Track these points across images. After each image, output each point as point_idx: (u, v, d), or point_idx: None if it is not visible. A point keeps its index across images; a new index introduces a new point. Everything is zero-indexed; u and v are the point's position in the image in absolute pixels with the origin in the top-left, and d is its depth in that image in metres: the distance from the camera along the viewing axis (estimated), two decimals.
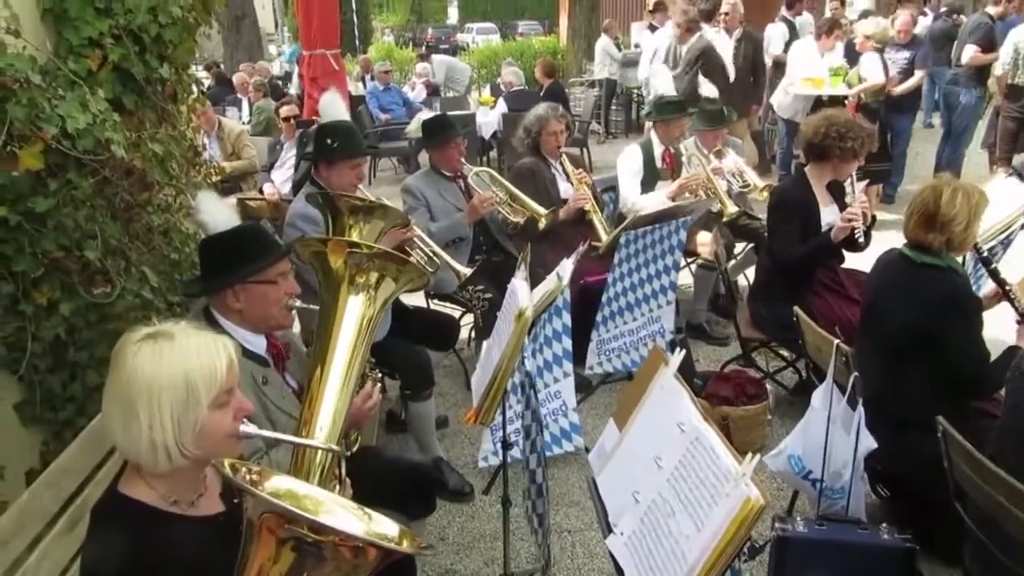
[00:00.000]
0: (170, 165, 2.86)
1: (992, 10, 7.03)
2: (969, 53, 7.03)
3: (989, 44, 7.02)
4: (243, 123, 7.25)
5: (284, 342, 2.31)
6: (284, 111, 6.47)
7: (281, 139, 6.55)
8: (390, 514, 2.16)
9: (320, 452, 1.72)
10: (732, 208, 4.36)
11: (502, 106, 9.20)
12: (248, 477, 1.19)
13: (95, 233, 2.34)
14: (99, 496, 1.54)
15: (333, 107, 3.60)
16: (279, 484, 1.22)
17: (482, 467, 3.36)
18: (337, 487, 1.74)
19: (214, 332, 1.79)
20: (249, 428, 1.46)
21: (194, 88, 3.33)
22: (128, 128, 2.58)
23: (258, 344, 2.19)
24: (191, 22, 3.00)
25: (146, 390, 1.37)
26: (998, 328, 2.88)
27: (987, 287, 2.98)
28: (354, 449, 2.40)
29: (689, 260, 4.89)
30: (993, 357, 2.61)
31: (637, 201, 4.44)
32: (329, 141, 3.25)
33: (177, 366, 1.39)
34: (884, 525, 2.44)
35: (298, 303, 2.23)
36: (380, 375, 2.55)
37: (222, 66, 12.52)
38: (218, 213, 2.22)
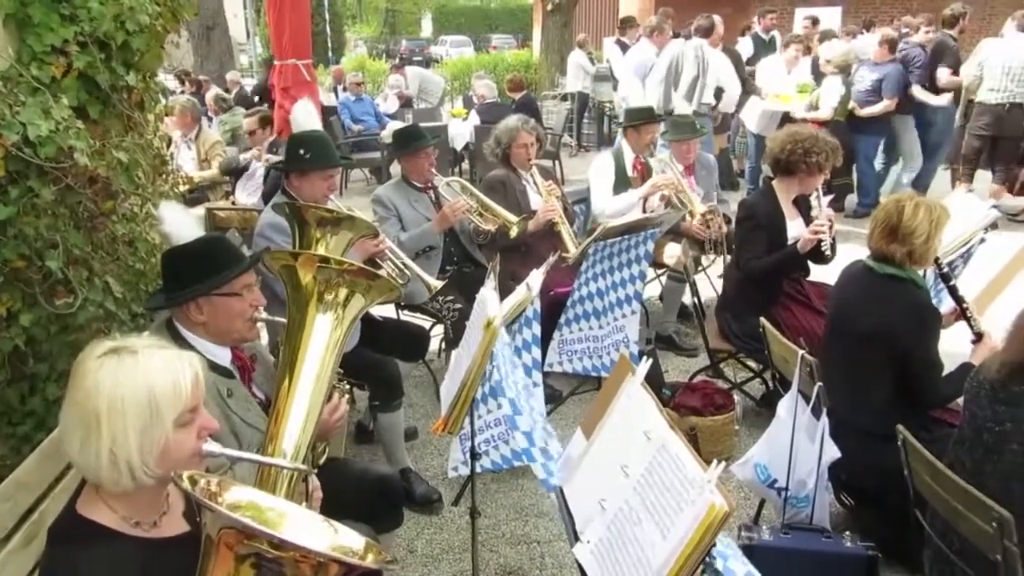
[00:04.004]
0: (136, 174, 2.82)
1: (954, 32, 7.22)
2: (944, 77, 7.16)
3: (957, 65, 7.19)
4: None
5: (250, 353, 2.29)
6: (249, 123, 6.42)
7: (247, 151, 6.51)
8: (357, 526, 2.16)
9: (287, 469, 1.69)
10: (701, 208, 4.42)
11: (474, 118, 9.23)
12: (208, 490, 1.16)
13: (57, 242, 2.29)
14: (57, 513, 1.49)
15: (306, 117, 3.59)
16: (240, 496, 1.19)
17: (452, 477, 3.34)
18: (304, 502, 1.71)
19: (178, 346, 1.78)
20: (213, 447, 1.43)
21: (161, 97, 3.29)
22: (93, 136, 2.54)
23: (222, 356, 2.16)
24: (159, 30, 2.97)
25: (107, 407, 1.33)
26: (953, 343, 2.96)
27: (946, 304, 3.05)
28: (321, 461, 2.39)
29: (659, 272, 4.94)
30: (948, 371, 2.68)
31: (607, 207, 4.48)
32: (302, 151, 3.23)
33: (141, 383, 1.35)
34: (848, 533, 2.48)
35: (264, 315, 2.21)
36: (348, 386, 2.53)
37: (192, 74, 12.39)
38: (182, 224, 2.20)
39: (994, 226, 3.66)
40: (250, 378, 2.25)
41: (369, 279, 1.81)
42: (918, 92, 7.04)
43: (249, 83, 13.04)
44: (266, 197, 5.82)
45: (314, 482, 1.75)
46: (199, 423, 1.43)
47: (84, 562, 1.34)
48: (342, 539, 1.23)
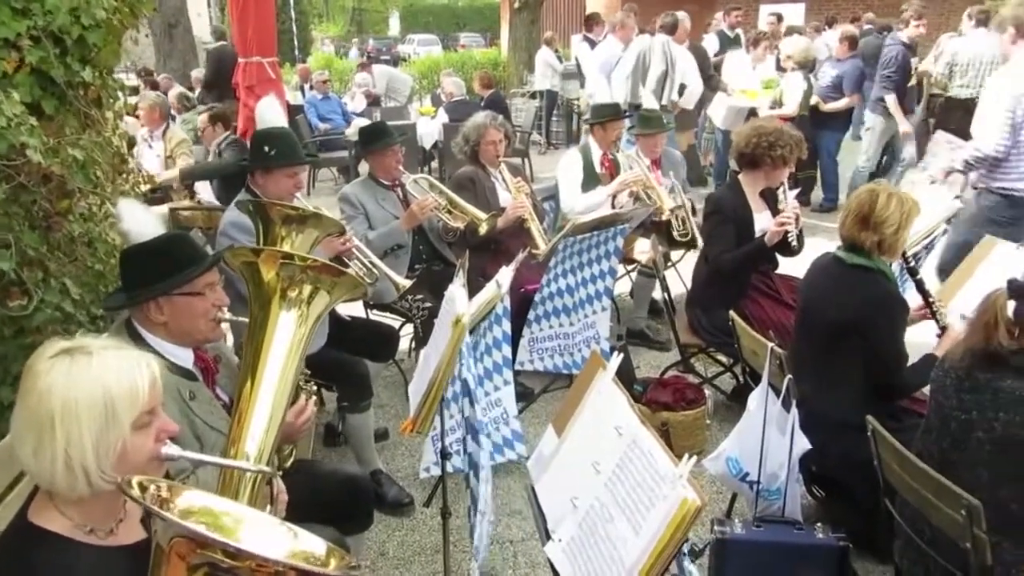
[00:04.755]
0: (93, 172, 2.75)
1: (903, 35, 7.28)
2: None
3: (907, 70, 7.18)
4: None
5: (213, 355, 2.23)
6: (200, 120, 6.31)
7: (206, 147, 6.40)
8: (324, 530, 2.12)
9: (250, 472, 1.64)
10: (669, 204, 4.44)
11: (443, 116, 9.18)
12: (158, 496, 1.10)
13: (10, 242, 2.22)
14: (8, 521, 1.44)
15: (271, 113, 3.52)
16: (193, 501, 1.13)
17: (424, 478, 3.31)
18: (269, 506, 1.66)
19: (137, 348, 1.72)
20: (172, 450, 1.38)
21: (120, 94, 3.22)
22: (47, 133, 2.47)
23: (185, 358, 2.11)
24: (116, 25, 2.90)
25: (61, 410, 1.28)
26: (919, 335, 2.99)
27: (912, 299, 3.09)
28: (288, 465, 2.34)
29: (629, 268, 4.94)
30: (912, 361, 2.71)
31: (577, 205, 4.48)
32: (266, 148, 3.16)
33: (95, 384, 1.31)
34: (819, 525, 2.49)
35: (228, 315, 2.16)
36: (315, 388, 2.48)
37: (154, 73, 12.17)
38: (141, 221, 2.14)
39: (956, 216, 3.71)
40: (214, 380, 2.19)
41: (334, 276, 1.77)
42: (891, 104, 6.98)
43: None
44: (218, 197, 5.73)
45: (279, 485, 1.70)
46: (157, 426, 1.38)
47: (36, 571, 1.29)
48: (302, 544, 1.18)
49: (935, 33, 9.20)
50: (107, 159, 3.05)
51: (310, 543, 1.18)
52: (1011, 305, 1.97)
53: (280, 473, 1.78)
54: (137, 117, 6.50)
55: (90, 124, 2.93)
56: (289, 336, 1.68)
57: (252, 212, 2.53)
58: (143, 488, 1.09)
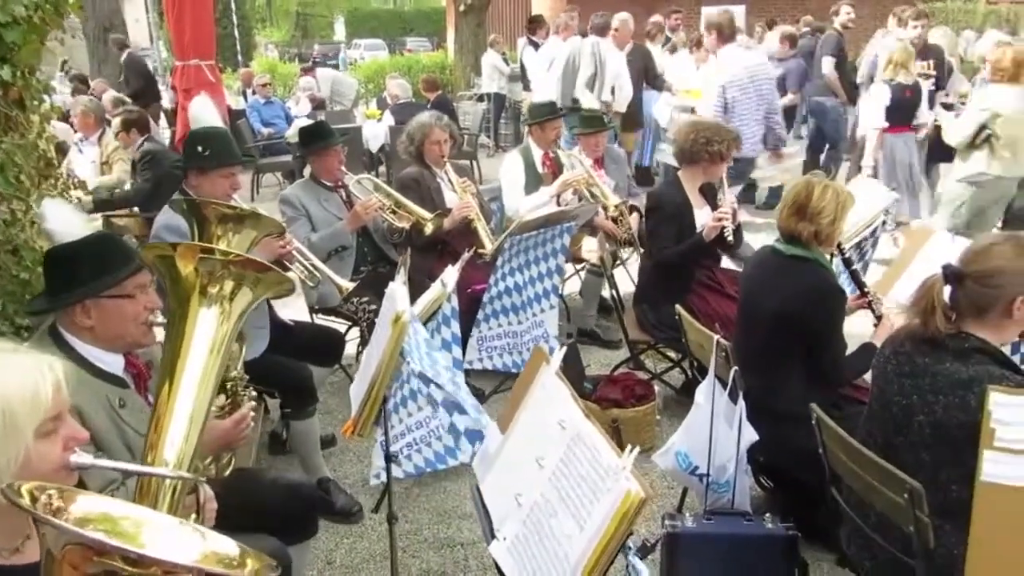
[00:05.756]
0: (15, 175, 2.62)
1: (837, 23, 7.64)
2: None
3: (841, 54, 7.49)
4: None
5: (146, 360, 2.14)
6: (114, 125, 6.09)
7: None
8: (265, 540, 2.04)
9: (169, 479, 1.56)
10: (614, 201, 4.44)
11: (389, 119, 9.10)
12: (50, 504, 1.01)
13: None
14: None
15: (205, 112, 3.42)
16: (90, 508, 1.05)
17: (374, 484, 3.24)
18: (194, 516, 1.58)
19: (63, 354, 1.62)
20: (83, 458, 1.29)
21: (46, 96, 3.09)
22: None
23: (114, 364, 2.01)
24: (37, 23, 2.78)
25: None
26: (856, 325, 3.04)
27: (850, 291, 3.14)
28: (226, 473, 2.27)
29: (578, 267, 4.93)
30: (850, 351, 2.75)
31: (521, 206, 4.46)
32: (200, 148, 3.07)
33: None
34: (768, 515, 2.49)
35: (160, 319, 2.07)
36: (255, 393, 2.40)
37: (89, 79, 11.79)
38: (67, 222, 2.05)
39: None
40: (146, 387, 2.10)
41: (258, 271, 1.68)
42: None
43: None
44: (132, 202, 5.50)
45: (206, 492, 1.62)
46: (65, 433, 1.29)
47: None
48: (213, 546, 1.10)
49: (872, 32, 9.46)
50: (32, 163, 2.92)
51: (221, 544, 1.10)
52: (947, 291, 2.01)
53: (204, 479, 1.68)
54: (71, 124, 6.29)
55: (12, 127, 2.81)
56: (210, 334, 1.59)
57: (186, 211, 2.44)
58: (34, 497, 1.01)
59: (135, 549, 0.96)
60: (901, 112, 5.67)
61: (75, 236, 2.01)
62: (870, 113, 5.89)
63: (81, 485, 1.36)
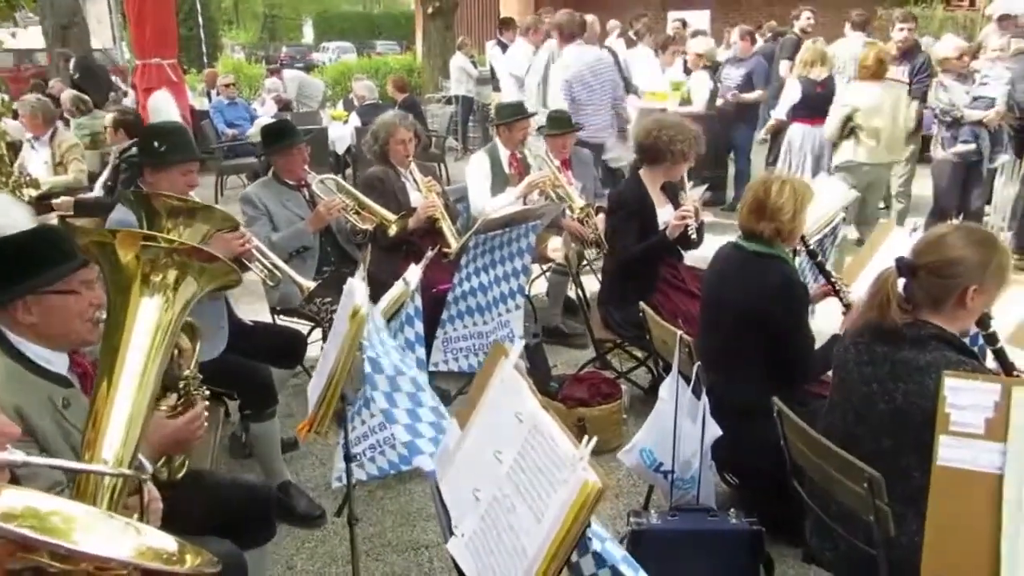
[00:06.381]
0: None
1: (797, 27, 7.94)
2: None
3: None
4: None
5: (92, 359, 2.07)
6: (110, 118, 5.96)
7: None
8: (220, 544, 1.98)
9: (108, 477, 1.48)
10: (580, 202, 4.43)
11: (355, 120, 9.01)
12: None
13: None
14: None
15: (164, 106, 3.35)
16: (15, 503, 0.98)
17: (336, 487, 3.17)
18: (137, 516, 1.51)
19: (2, 352, 1.54)
20: (15, 455, 1.21)
21: None
22: None
23: (58, 363, 1.94)
24: None
25: None
26: (825, 321, 3.05)
27: (816, 282, 3.16)
28: (180, 475, 2.20)
29: (544, 268, 4.91)
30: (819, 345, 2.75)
31: (487, 206, 4.42)
32: (156, 144, 2.99)
33: None
34: (732, 510, 2.49)
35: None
36: (209, 393, 2.33)
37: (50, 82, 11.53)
38: (9, 214, 1.96)
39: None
40: (92, 386, 2.03)
41: (203, 261, 1.62)
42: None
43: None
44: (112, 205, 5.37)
45: (151, 491, 1.55)
46: None
47: None
48: (149, 541, 1.05)
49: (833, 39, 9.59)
50: None
51: (158, 540, 1.05)
52: (901, 282, 2.02)
53: (147, 477, 1.61)
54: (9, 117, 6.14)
55: None
56: (151, 326, 1.52)
57: (134, 203, 2.36)
58: None
59: (64, 543, 0.91)
60: (810, 106, 6.16)
61: (16, 228, 1.94)
62: (780, 106, 6.64)
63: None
